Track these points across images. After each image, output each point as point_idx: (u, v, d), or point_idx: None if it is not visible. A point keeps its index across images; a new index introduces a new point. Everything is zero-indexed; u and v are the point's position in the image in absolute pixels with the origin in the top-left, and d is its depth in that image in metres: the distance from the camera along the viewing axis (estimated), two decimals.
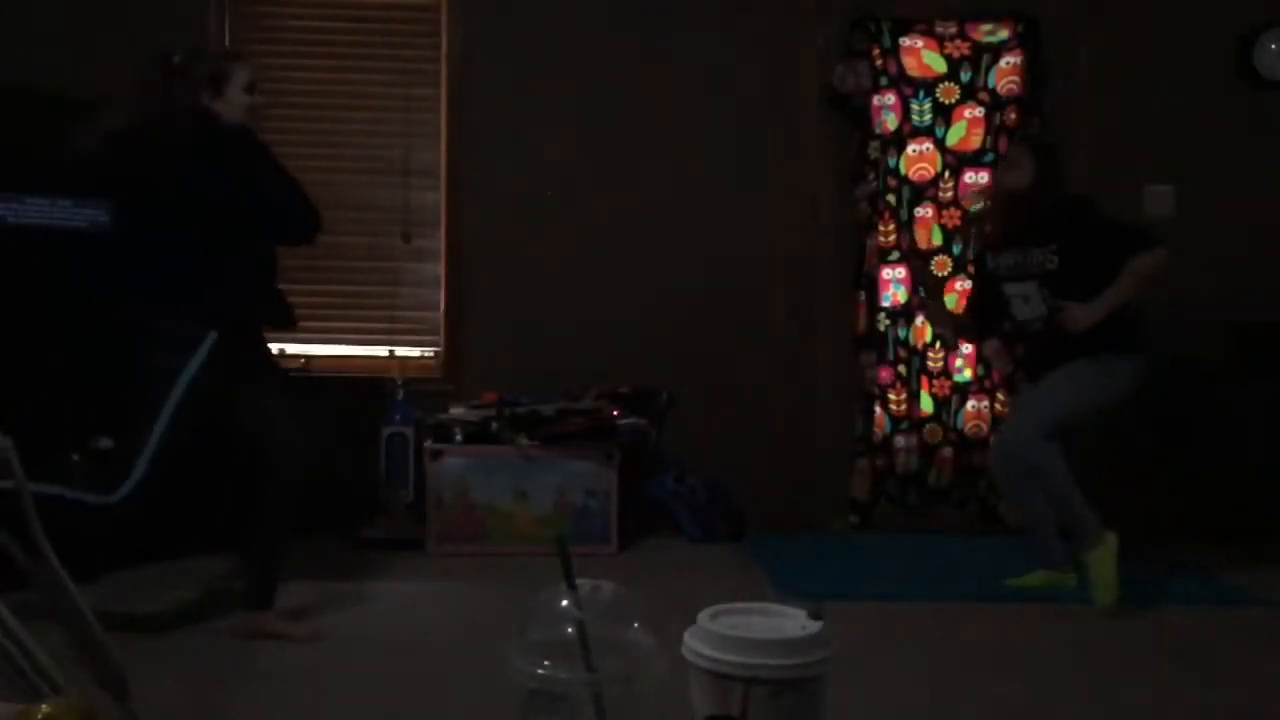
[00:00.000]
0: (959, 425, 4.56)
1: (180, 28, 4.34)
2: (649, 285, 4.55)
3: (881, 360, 4.56)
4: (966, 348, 4.52)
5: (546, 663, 1.35)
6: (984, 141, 4.54)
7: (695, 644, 1.40)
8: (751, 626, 1.44)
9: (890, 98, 4.53)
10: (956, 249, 4.53)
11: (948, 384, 4.58)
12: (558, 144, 4.53)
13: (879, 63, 4.52)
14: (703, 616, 1.45)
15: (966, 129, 4.52)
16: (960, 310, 4.14)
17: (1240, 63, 4.58)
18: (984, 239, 4.00)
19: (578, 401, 4.29)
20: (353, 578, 3.66)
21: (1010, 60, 4.53)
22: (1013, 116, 4.52)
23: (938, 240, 4.54)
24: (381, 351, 4.54)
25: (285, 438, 2.97)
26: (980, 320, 3.86)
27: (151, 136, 3.07)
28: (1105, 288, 3.38)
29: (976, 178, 4.49)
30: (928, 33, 4.55)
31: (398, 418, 4.25)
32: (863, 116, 4.53)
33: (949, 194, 4.54)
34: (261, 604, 3.01)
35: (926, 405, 4.56)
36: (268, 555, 3.04)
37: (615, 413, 4.23)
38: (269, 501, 2.99)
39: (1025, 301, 3.56)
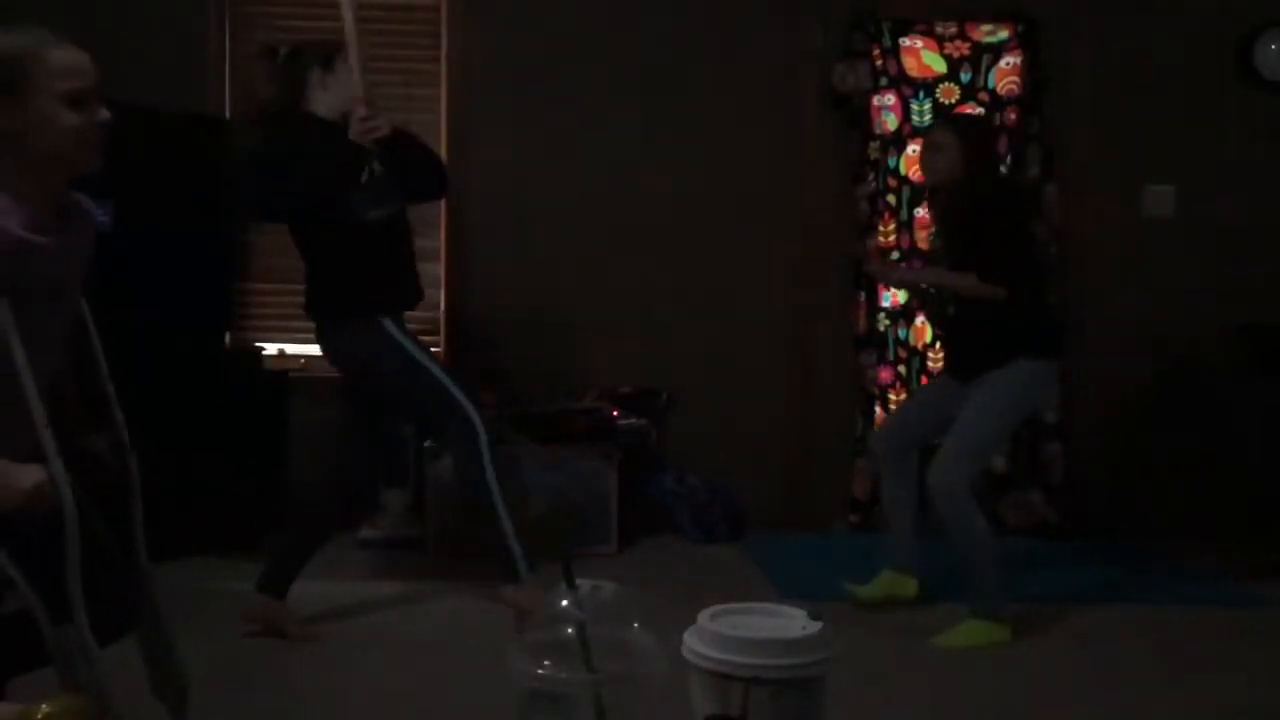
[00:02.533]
0: None
1: (180, 27, 4.35)
2: (649, 285, 4.54)
3: (881, 360, 4.56)
4: None
5: (546, 663, 1.36)
6: None
7: (695, 644, 1.40)
8: (751, 626, 1.44)
9: (890, 98, 4.53)
10: None
11: None
12: (558, 144, 4.52)
13: (879, 63, 4.52)
14: (703, 616, 1.45)
15: None
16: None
17: (1240, 63, 4.58)
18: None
19: (578, 401, 4.29)
20: (353, 578, 3.66)
21: (1010, 60, 4.53)
22: (1013, 117, 4.52)
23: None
24: None
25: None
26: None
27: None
28: (981, 266, 3.08)
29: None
30: (928, 33, 4.55)
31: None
32: (863, 116, 4.53)
33: None
34: (277, 593, 3.03)
35: None
36: (302, 549, 3.12)
37: (615, 413, 4.23)
38: (331, 500, 3.20)
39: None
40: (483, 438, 3.03)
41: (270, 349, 4.40)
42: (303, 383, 4.26)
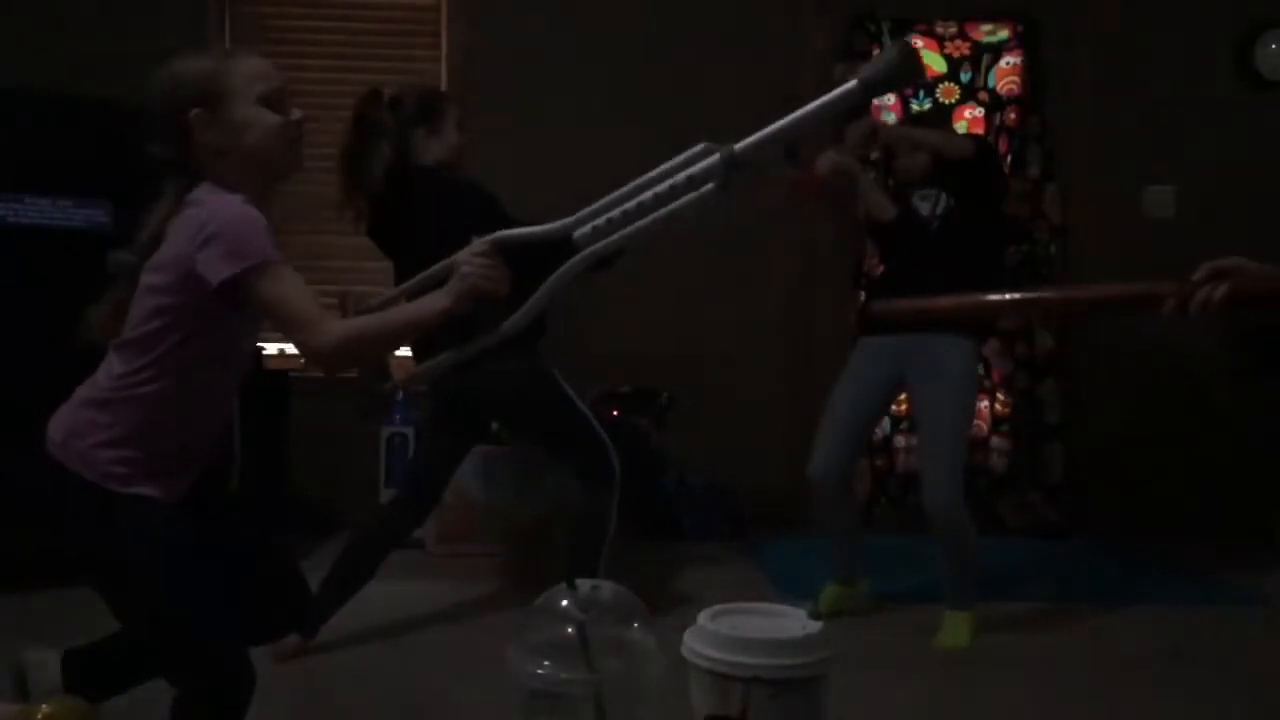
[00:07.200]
0: None
1: (180, 28, 4.35)
2: (649, 285, 4.54)
3: None
4: None
5: (546, 663, 1.36)
6: None
7: (695, 644, 1.40)
8: (751, 626, 1.44)
9: (890, 97, 4.53)
10: None
11: None
12: (558, 144, 4.52)
13: None
14: (703, 616, 1.45)
15: (966, 129, 4.52)
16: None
17: (1240, 63, 4.58)
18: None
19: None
20: None
21: (1010, 60, 4.53)
22: (1012, 116, 4.52)
23: None
24: None
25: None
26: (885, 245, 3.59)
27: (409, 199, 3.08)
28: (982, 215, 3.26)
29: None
30: (928, 33, 4.55)
31: (398, 418, 4.25)
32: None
33: None
34: (309, 631, 2.85)
35: None
36: (348, 583, 3.06)
37: (615, 413, 4.23)
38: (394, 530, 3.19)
39: (927, 201, 3.31)
40: (617, 482, 3.03)
41: (270, 349, 4.40)
42: (303, 383, 4.26)
